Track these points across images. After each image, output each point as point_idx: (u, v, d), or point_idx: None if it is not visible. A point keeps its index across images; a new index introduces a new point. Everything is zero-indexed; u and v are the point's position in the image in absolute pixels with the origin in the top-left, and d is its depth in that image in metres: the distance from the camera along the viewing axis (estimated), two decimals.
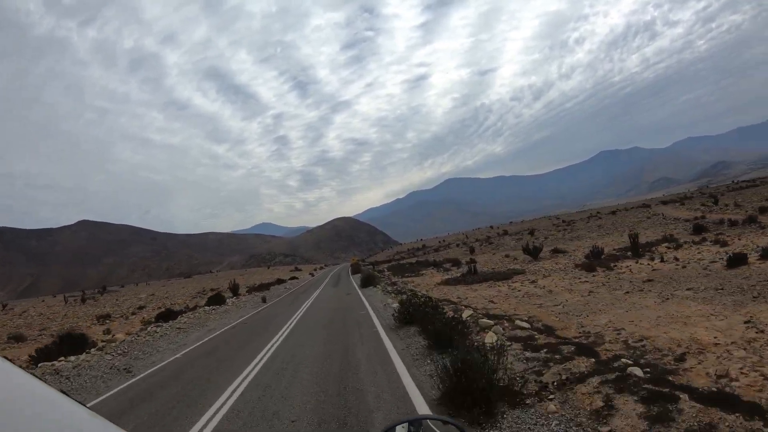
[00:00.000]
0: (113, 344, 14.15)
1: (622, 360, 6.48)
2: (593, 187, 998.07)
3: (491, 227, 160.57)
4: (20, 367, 0.97)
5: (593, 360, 6.36)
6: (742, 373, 5.88)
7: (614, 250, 27.99)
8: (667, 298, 11.73)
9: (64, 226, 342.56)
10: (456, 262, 41.11)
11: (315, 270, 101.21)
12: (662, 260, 19.52)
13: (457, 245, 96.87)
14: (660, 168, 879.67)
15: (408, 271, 40.35)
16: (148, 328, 17.85)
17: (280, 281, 50.16)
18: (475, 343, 7.52)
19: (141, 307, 40.83)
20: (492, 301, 15.66)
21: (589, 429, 4.29)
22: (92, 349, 13.41)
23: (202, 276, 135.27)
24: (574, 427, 4.37)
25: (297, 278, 59.48)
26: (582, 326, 10.12)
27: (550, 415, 4.69)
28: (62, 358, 12.16)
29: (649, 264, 19.28)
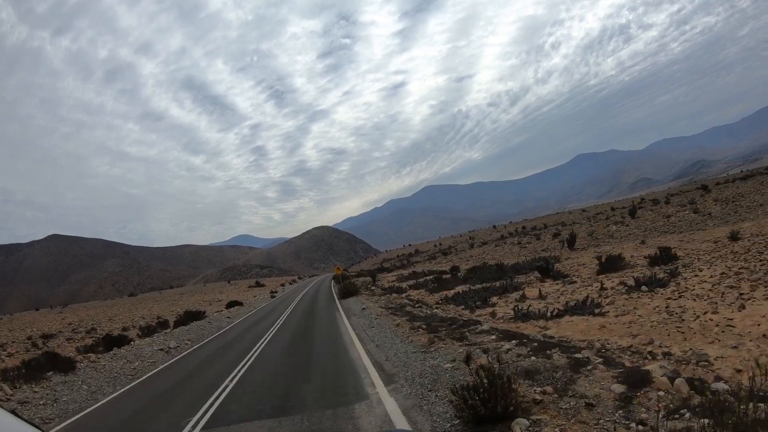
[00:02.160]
0: None
1: None
2: (572, 190, 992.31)
3: (494, 227, 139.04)
4: None
5: None
6: None
7: None
8: None
9: (34, 241, 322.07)
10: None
11: (284, 284, 75.34)
12: None
13: (472, 246, 73.22)
14: (638, 169, 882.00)
15: (492, 291, 15.60)
16: None
17: (195, 316, 24.34)
18: None
19: None
20: None
21: None
22: None
23: (148, 295, 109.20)
24: None
25: (241, 305, 33.84)
26: None
27: None
28: None
29: None
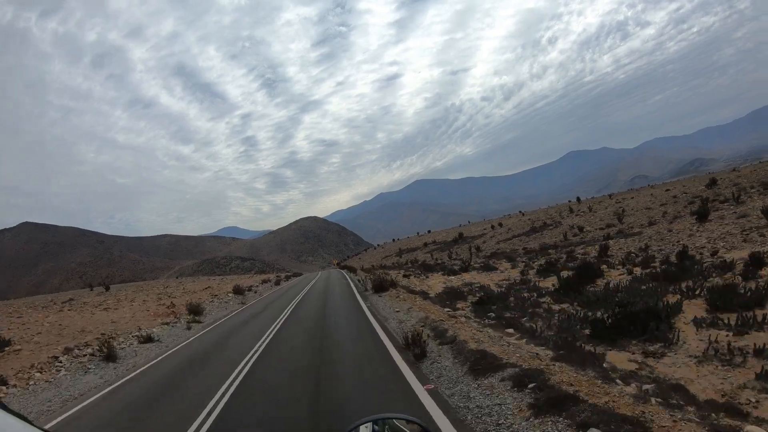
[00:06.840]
0: None
1: None
2: (564, 187, 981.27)
3: (521, 212, 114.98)
4: None
5: None
6: None
7: None
8: None
9: (5, 229, 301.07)
10: None
11: (260, 287, 44.04)
12: None
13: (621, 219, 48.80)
14: (632, 167, 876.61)
15: None
16: None
17: None
18: None
19: None
20: None
21: None
22: None
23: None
24: None
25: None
26: None
27: None
28: None
29: None
